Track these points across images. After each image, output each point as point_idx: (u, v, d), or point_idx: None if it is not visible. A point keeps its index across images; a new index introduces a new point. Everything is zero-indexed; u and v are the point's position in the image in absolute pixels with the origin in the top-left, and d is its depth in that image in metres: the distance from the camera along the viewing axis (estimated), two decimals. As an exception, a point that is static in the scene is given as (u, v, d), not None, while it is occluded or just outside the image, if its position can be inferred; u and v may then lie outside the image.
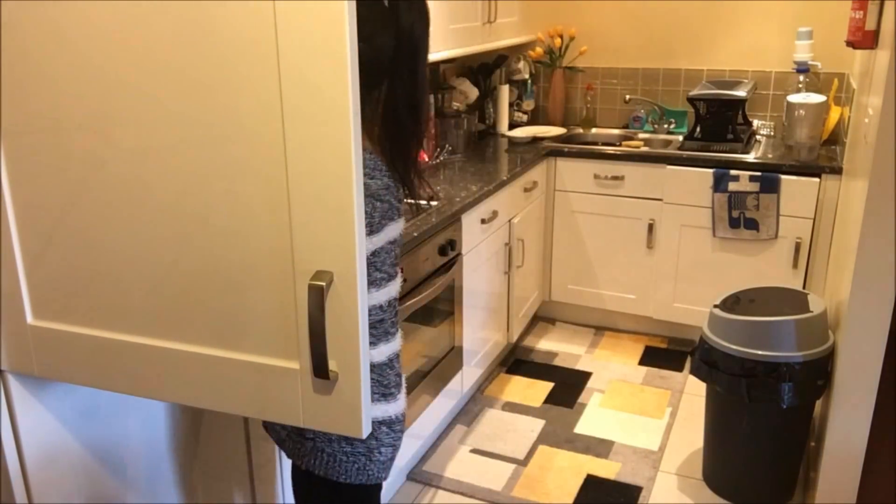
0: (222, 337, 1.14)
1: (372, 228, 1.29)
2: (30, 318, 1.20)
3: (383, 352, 1.38)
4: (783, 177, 3.20)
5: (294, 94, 1.00)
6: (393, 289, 1.39)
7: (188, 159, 1.08)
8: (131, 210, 1.12)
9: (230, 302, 1.12)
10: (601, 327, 3.85)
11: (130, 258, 1.14)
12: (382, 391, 1.38)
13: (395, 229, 1.36)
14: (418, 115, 1.34)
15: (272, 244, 1.08)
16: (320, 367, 1.09)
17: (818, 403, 2.57)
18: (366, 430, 1.13)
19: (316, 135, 1.01)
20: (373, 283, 1.34)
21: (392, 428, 1.41)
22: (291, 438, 1.38)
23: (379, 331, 1.37)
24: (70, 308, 1.20)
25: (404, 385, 1.46)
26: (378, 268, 1.34)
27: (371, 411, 1.34)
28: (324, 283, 1.05)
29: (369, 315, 1.34)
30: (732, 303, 2.49)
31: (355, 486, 1.39)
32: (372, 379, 1.36)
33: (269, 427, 1.46)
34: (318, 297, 1.05)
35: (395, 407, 1.41)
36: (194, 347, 1.16)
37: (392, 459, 1.44)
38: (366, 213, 1.26)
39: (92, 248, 1.16)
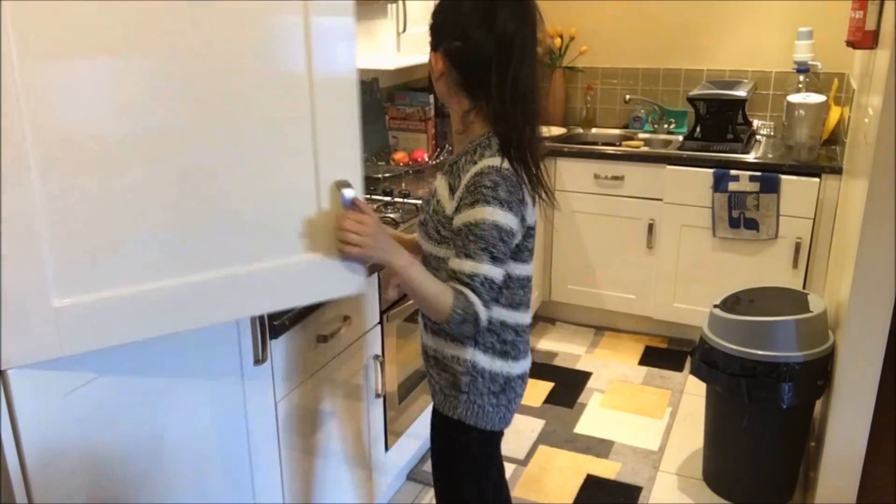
0: (257, 249, 1.36)
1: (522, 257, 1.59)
2: (56, 301, 1.19)
3: (515, 317, 1.63)
4: (783, 177, 3.20)
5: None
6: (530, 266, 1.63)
7: (217, 87, 1.24)
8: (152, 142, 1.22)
9: (267, 214, 1.35)
10: (601, 327, 3.85)
11: (156, 192, 1.23)
12: (515, 354, 1.65)
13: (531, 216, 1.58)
14: (524, 105, 1.49)
15: (301, 161, 1.35)
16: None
17: (818, 403, 2.57)
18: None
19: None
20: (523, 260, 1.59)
21: (524, 380, 1.71)
22: (444, 392, 1.67)
23: (524, 301, 1.64)
24: (99, 273, 1.21)
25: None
26: (529, 248, 1.59)
27: (513, 368, 1.66)
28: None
29: (512, 285, 1.58)
30: (732, 303, 2.49)
31: (488, 431, 1.67)
32: (519, 340, 1.66)
33: (428, 382, 1.76)
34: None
35: (526, 363, 1.70)
36: (226, 269, 1.33)
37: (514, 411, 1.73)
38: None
39: (111, 196, 1.20)
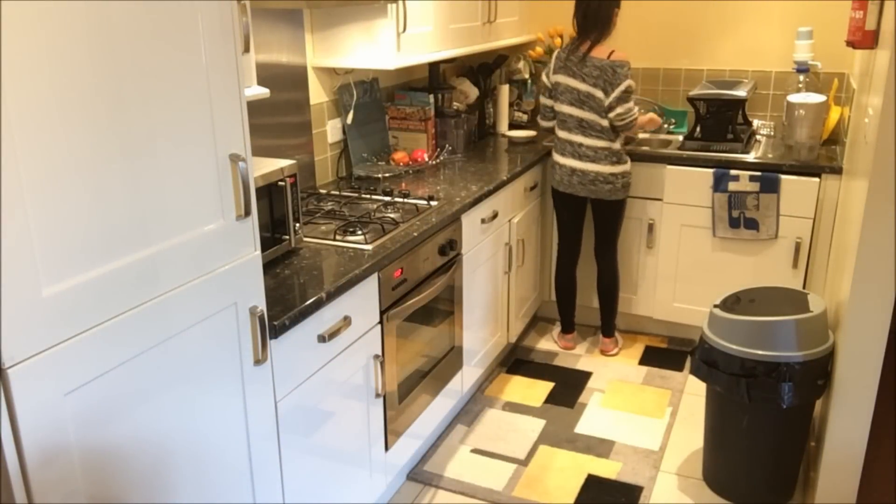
0: (180, 222, 1.47)
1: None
2: (44, 290, 1.21)
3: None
4: (783, 177, 3.20)
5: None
6: None
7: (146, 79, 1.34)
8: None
9: (182, 189, 1.46)
10: (600, 328, 3.84)
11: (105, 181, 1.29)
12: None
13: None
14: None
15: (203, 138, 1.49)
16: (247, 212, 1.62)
17: (818, 403, 2.57)
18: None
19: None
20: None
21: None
22: (620, 185, 3.24)
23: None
24: (77, 256, 1.26)
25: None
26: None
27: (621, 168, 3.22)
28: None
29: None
30: (732, 303, 2.49)
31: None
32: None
33: (597, 192, 3.24)
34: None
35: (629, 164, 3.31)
36: (163, 243, 1.44)
37: None
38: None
39: (76, 181, 1.24)
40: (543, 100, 3.29)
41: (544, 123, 3.36)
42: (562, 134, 3.24)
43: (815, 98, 3.25)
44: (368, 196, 2.78)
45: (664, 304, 3.60)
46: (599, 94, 3.08)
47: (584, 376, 3.38)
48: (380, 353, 2.27)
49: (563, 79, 3.16)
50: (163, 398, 1.48)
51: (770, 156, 3.31)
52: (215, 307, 1.57)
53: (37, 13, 1.14)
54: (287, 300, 1.87)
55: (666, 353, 3.59)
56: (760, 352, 2.31)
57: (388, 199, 2.74)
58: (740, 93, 3.34)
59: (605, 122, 3.14)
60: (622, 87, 3.06)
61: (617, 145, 3.21)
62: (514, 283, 3.34)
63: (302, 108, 2.80)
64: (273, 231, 2.08)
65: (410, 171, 3.14)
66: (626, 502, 2.55)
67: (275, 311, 1.80)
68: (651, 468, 2.74)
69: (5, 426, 1.19)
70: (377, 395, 2.28)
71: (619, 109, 3.08)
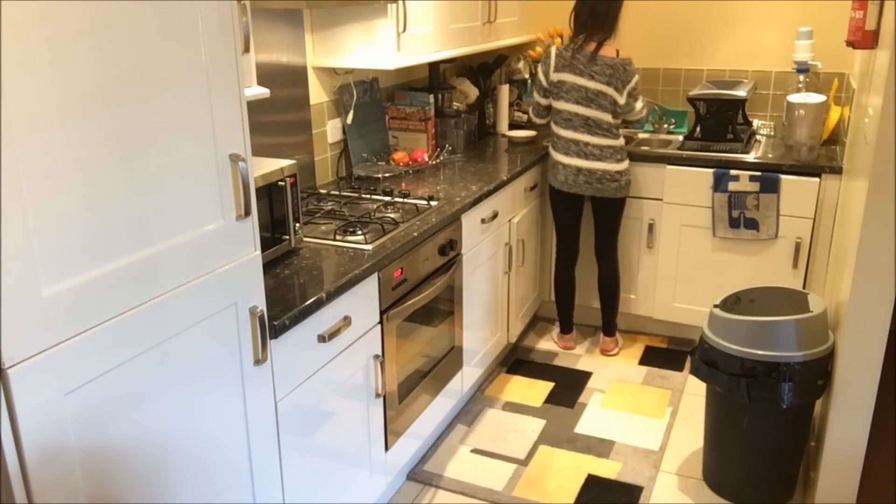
0: (180, 221, 1.47)
1: None
2: (44, 290, 1.21)
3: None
4: (783, 177, 3.20)
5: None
6: None
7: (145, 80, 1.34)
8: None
9: (182, 189, 1.46)
10: (601, 327, 3.84)
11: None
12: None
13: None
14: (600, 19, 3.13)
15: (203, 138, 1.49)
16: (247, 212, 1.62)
17: (818, 403, 2.57)
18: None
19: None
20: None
21: None
22: (618, 181, 3.22)
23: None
24: (77, 256, 1.26)
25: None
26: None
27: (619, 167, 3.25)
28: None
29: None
30: (732, 303, 2.49)
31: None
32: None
33: (602, 190, 3.26)
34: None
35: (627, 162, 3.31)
36: (163, 243, 1.43)
37: None
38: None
39: (76, 182, 1.24)
40: (539, 98, 3.28)
41: (537, 120, 3.37)
42: (565, 133, 3.23)
43: (815, 98, 3.25)
44: (368, 196, 2.78)
45: (664, 304, 3.60)
46: (612, 91, 3.11)
47: (584, 376, 3.38)
48: (380, 353, 2.27)
49: (568, 77, 3.15)
50: (163, 398, 1.48)
51: (770, 156, 3.31)
52: (215, 307, 1.57)
53: (37, 13, 1.14)
54: (287, 300, 1.87)
55: (666, 353, 3.59)
56: (760, 352, 2.31)
57: (388, 199, 2.74)
58: (740, 93, 3.34)
59: (612, 120, 3.17)
60: (633, 83, 3.14)
61: (620, 142, 3.23)
62: (514, 283, 3.34)
63: (302, 108, 2.80)
64: (273, 231, 2.08)
65: (410, 171, 3.14)
66: (626, 502, 2.55)
67: (275, 311, 1.80)
68: (651, 468, 2.73)
69: (5, 426, 1.19)
70: (377, 395, 2.28)
71: (637, 105, 3.20)
